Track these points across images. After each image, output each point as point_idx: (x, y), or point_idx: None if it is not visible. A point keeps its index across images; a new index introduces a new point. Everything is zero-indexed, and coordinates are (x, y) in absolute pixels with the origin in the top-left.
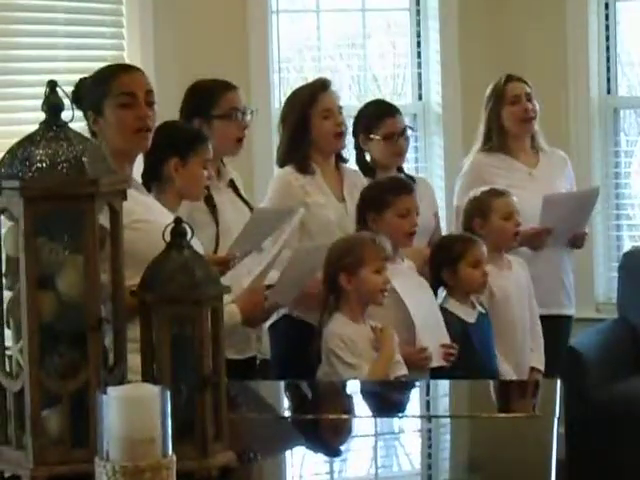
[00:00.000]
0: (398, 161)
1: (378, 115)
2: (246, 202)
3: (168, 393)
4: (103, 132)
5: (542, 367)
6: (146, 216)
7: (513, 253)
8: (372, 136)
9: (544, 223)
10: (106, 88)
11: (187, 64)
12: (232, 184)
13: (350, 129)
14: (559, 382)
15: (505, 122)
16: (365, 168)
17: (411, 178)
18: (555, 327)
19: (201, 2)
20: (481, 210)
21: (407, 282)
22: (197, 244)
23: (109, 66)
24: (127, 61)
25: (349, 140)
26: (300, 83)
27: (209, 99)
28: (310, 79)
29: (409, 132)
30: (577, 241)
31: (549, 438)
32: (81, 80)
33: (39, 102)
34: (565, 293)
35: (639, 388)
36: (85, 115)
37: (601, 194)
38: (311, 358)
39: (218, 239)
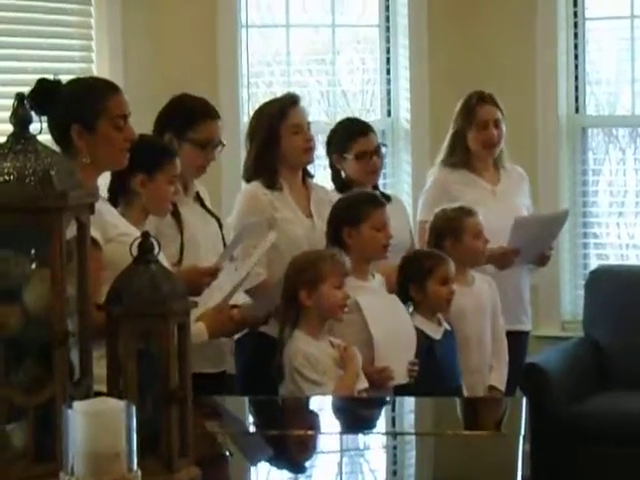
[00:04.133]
0: (373, 179)
1: (350, 134)
2: (213, 214)
3: (134, 408)
4: (89, 147)
5: (502, 386)
6: (129, 230)
7: (478, 270)
8: (345, 155)
9: (513, 244)
10: (101, 106)
11: (156, 77)
12: (198, 197)
13: (323, 147)
14: (524, 400)
15: (470, 144)
16: (340, 186)
17: (386, 196)
18: (515, 343)
19: (171, 15)
20: (453, 230)
21: (374, 299)
22: (163, 259)
23: (96, 81)
24: (95, 73)
25: (317, 156)
26: (269, 98)
27: (189, 120)
28: (279, 94)
29: (383, 150)
30: (543, 260)
31: (514, 456)
32: (47, 85)
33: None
34: (523, 309)
35: (604, 406)
36: (58, 125)
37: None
38: (274, 374)
39: (183, 252)
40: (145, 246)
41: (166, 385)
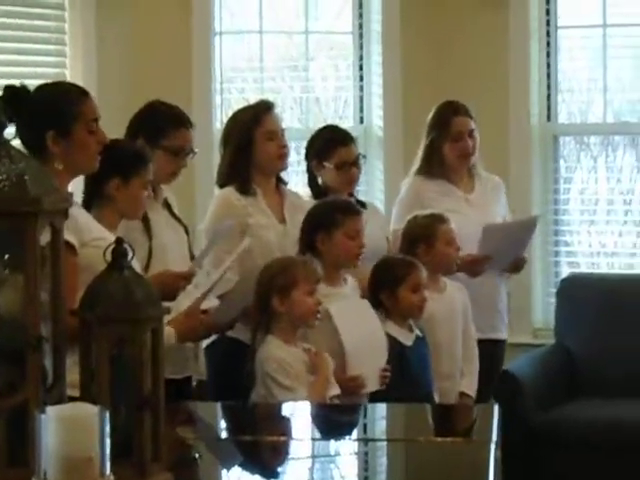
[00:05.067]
0: (350, 188)
1: (331, 143)
2: (180, 221)
3: (107, 413)
4: (64, 153)
5: (473, 393)
6: (103, 234)
7: (451, 277)
8: (325, 164)
9: (483, 251)
10: (76, 111)
11: (130, 82)
12: (166, 203)
13: (296, 154)
14: (496, 406)
15: (445, 155)
16: (317, 192)
17: (362, 203)
18: (489, 351)
19: (145, 21)
20: (426, 236)
21: (347, 305)
22: (136, 265)
23: (66, 86)
24: (69, 78)
25: (290, 162)
26: (242, 104)
27: (163, 127)
28: (252, 100)
29: (362, 160)
30: (517, 267)
31: (486, 462)
32: (16, 92)
33: None
34: (500, 317)
35: (575, 413)
36: (31, 131)
37: (540, 220)
38: (245, 379)
39: (151, 257)
40: (119, 252)
41: (139, 391)
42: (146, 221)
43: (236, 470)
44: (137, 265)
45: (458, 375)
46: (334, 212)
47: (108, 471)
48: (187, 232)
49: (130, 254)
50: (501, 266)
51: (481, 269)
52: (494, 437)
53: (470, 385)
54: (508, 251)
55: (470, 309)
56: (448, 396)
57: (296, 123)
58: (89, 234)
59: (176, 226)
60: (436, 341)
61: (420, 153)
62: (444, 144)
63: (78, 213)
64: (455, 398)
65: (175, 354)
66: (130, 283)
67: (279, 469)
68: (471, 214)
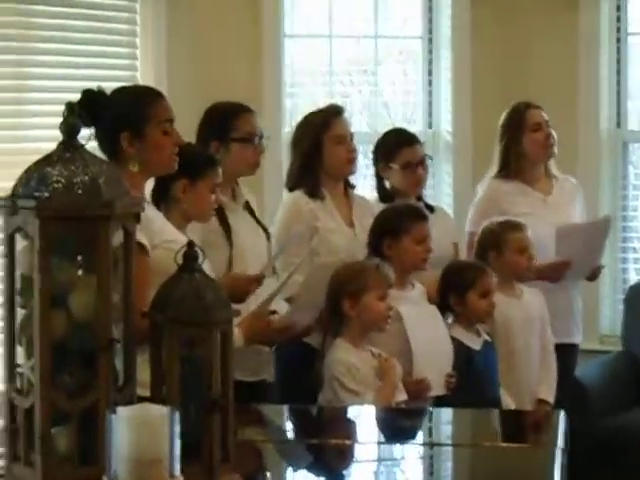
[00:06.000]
0: (417, 190)
1: (397, 144)
2: (261, 224)
3: (177, 414)
4: (139, 154)
5: (551, 399)
6: (175, 236)
7: (530, 285)
8: (391, 165)
9: (560, 255)
10: (149, 112)
11: (200, 87)
12: (248, 206)
13: (365, 158)
14: (563, 413)
15: (526, 149)
16: (384, 196)
17: (430, 207)
18: (563, 355)
19: (216, 25)
20: (496, 243)
21: (415, 310)
22: (206, 267)
23: (140, 88)
24: (140, 81)
25: (360, 166)
26: (310, 108)
27: (227, 122)
28: (321, 104)
29: (428, 161)
30: (594, 274)
31: (551, 469)
32: (93, 96)
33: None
34: (574, 322)
35: None
36: (107, 134)
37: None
38: (312, 382)
39: (231, 261)
40: (190, 255)
41: (209, 392)
42: (225, 224)
43: (302, 473)
44: (207, 267)
45: (534, 382)
46: (401, 217)
47: (177, 472)
48: (268, 237)
49: (201, 257)
50: (583, 272)
51: (561, 274)
52: (560, 443)
53: (548, 392)
54: (585, 255)
55: (547, 315)
56: (524, 403)
57: (365, 127)
58: (160, 236)
59: (257, 230)
60: (512, 347)
61: (496, 155)
62: (523, 137)
63: (153, 215)
64: (533, 405)
65: (250, 357)
66: (200, 286)
67: (344, 472)
68: (548, 216)
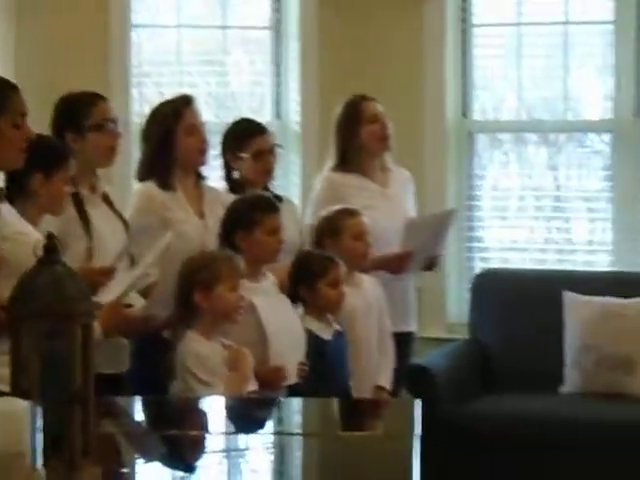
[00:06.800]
0: (266, 179)
1: (248, 133)
2: (120, 215)
3: (37, 408)
4: None
5: (389, 386)
6: (24, 228)
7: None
8: (241, 154)
9: (405, 247)
10: (2, 105)
11: (47, 78)
12: (106, 197)
13: (213, 148)
14: (418, 400)
15: (363, 140)
16: (234, 186)
17: (278, 197)
18: (400, 344)
19: (62, 15)
20: (332, 229)
21: (268, 300)
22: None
23: None
24: None
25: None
26: (159, 98)
27: (80, 111)
28: (168, 94)
29: (278, 150)
30: (432, 263)
31: (408, 455)
32: None
33: None
34: (409, 311)
35: (489, 407)
36: None
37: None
38: (164, 373)
39: (91, 252)
40: (49, 247)
41: (69, 386)
42: (84, 215)
43: (155, 465)
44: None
45: (374, 369)
46: (253, 209)
47: (39, 465)
48: (127, 228)
49: (61, 249)
50: (421, 263)
51: (405, 267)
52: (416, 430)
53: (386, 378)
54: (428, 246)
55: (385, 303)
56: (364, 390)
57: (212, 117)
58: (10, 228)
59: (115, 220)
60: (356, 336)
61: (333, 148)
62: (360, 130)
63: (2, 207)
64: (371, 392)
65: (109, 349)
66: (61, 278)
67: (196, 464)
68: (387, 208)
